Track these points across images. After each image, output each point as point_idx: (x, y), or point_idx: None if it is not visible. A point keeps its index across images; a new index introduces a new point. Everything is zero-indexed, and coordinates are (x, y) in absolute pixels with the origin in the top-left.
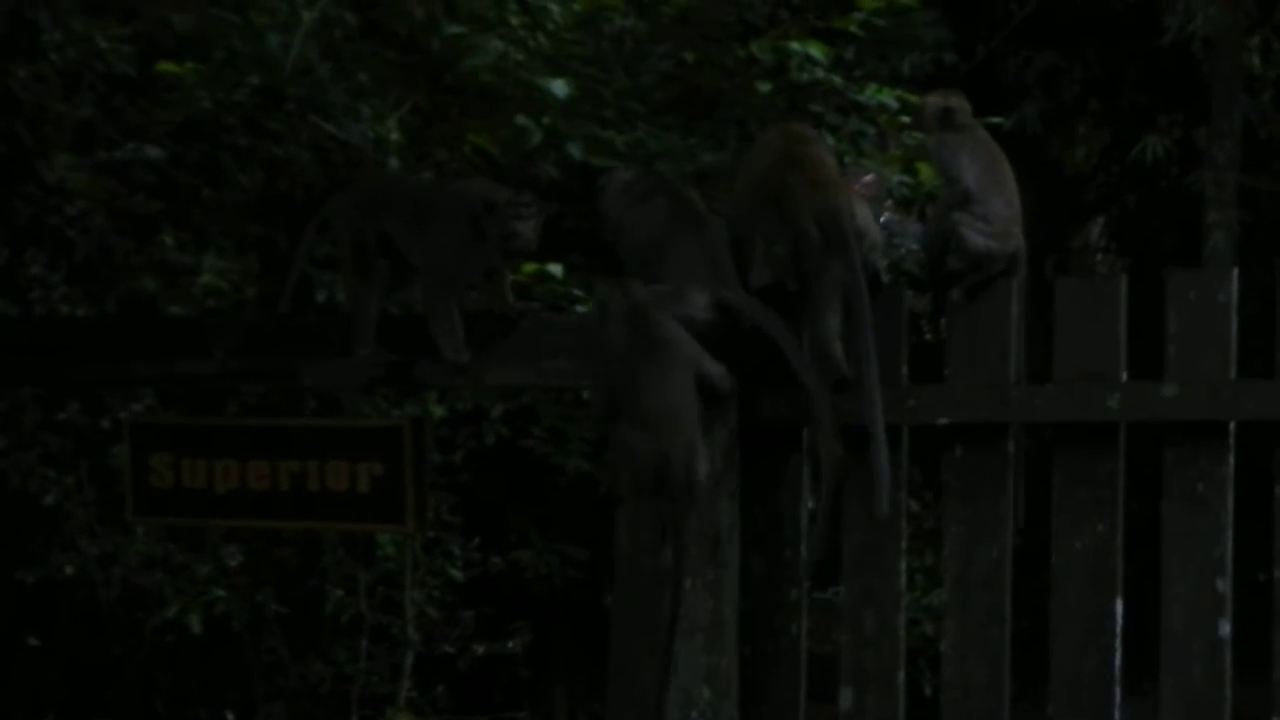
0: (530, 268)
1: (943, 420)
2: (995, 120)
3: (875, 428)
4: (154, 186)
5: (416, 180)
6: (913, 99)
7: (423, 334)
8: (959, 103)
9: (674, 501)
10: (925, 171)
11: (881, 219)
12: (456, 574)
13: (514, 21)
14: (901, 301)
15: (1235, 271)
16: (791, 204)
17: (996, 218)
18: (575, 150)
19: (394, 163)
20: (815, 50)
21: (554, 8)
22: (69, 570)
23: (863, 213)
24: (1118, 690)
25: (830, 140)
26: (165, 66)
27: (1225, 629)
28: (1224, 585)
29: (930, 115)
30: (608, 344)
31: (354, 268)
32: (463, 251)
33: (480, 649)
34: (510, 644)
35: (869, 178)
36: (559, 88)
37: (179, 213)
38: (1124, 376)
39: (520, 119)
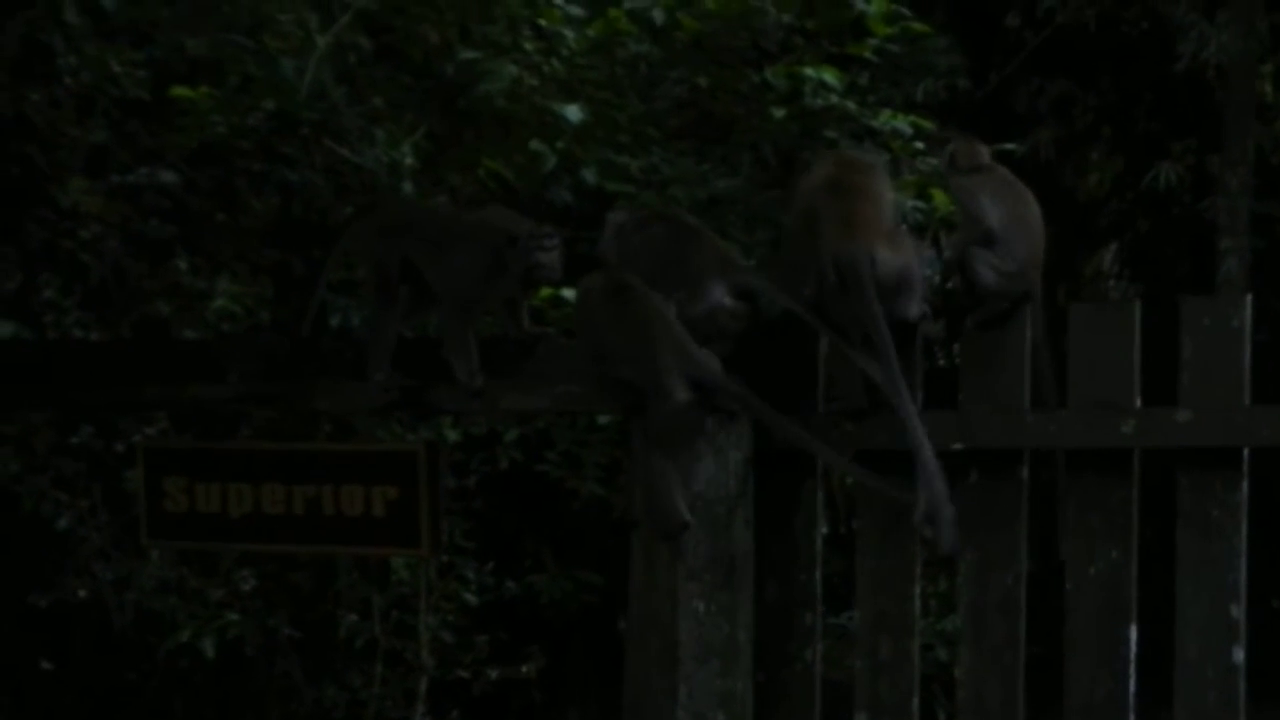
0: (546, 292)
1: (956, 446)
2: (1009, 147)
3: (925, 469)
4: (168, 211)
5: (440, 207)
6: (926, 125)
7: (437, 359)
8: (970, 145)
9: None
10: (939, 197)
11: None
12: (471, 598)
13: (528, 47)
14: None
15: (1249, 297)
16: (818, 242)
17: (1015, 260)
18: (589, 175)
19: (408, 187)
20: (829, 76)
21: (568, 34)
22: (82, 594)
23: (898, 258)
24: (1132, 717)
25: None
26: (179, 91)
27: (1239, 655)
28: (1238, 611)
29: (945, 159)
30: (589, 316)
31: (376, 292)
32: (483, 280)
33: (494, 673)
34: (524, 668)
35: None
36: (573, 113)
37: (193, 237)
38: (1138, 403)
39: (535, 144)
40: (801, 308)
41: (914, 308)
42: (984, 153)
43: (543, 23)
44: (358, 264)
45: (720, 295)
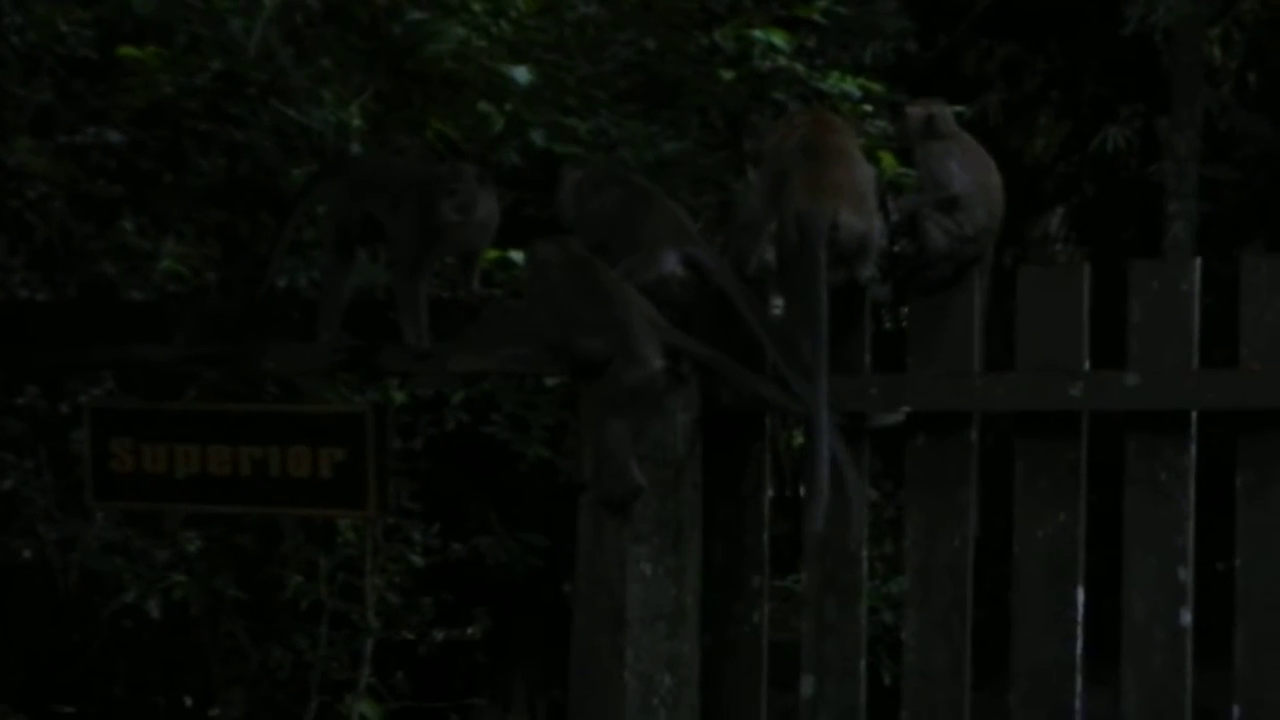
0: (492, 254)
1: (904, 408)
2: (957, 109)
3: (818, 443)
4: (114, 171)
5: (397, 160)
6: (875, 88)
7: (385, 320)
8: (940, 110)
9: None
10: (887, 160)
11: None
12: (417, 560)
13: (476, 8)
14: (864, 290)
15: (1198, 261)
16: (785, 202)
17: (974, 225)
18: (537, 137)
19: (356, 149)
20: (777, 38)
21: None
22: (27, 555)
23: (861, 223)
24: (1079, 679)
25: None
26: (126, 51)
27: (1187, 618)
28: (1186, 574)
29: (914, 124)
30: (547, 290)
31: (332, 250)
32: (424, 233)
33: (440, 635)
34: (470, 630)
35: None
36: (521, 74)
37: (139, 197)
38: (1086, 366)
39: (482, 105)
40: (738, 288)
41: (866, 271)
42: (949, 115)
43: None
44: (310, 223)
45: (673, 264)
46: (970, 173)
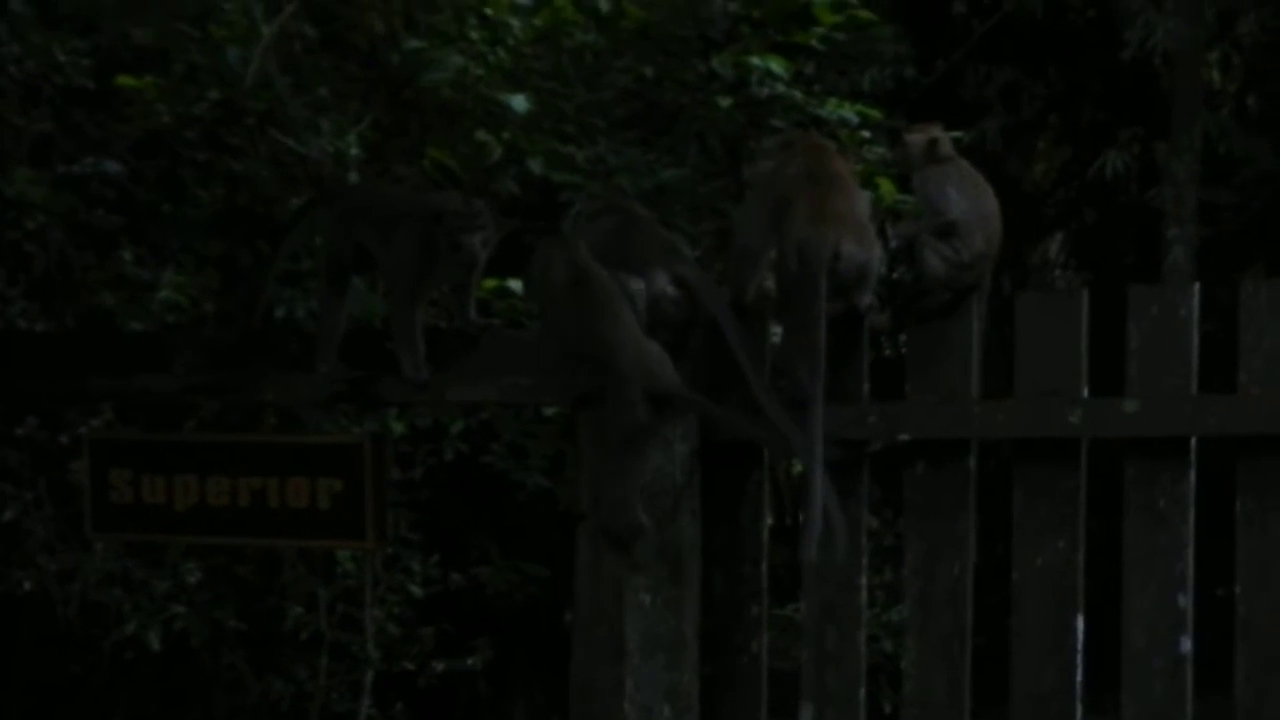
0: (490, 283)
1: (903, 436)
2: (955, 135)
3: (812, 474)
4: (113, 201)
5: (392, 190)
6: (873, 114)
7: (383, 350)
8: (941, 135)
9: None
10: (886, 186)
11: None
12: (416, 591)
13: (474, 36)
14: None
15: (1196, 286)
16: (786, 230)
17: (971, 252)
18: (535, 165)
19: (353, 177)
20: (775, 65)
21: (514, 23)
22: (27, 586)
23: (862, 253)
24: (1079, 707)
25: None
26: (125, 80)
27: (1186, 645)
28: (1185, 601)
29: (914, 149)
30: (551, 289)
31: (326, 281)
32: (419, 262)
33: (440, 666)
34: (470, 661)
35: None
36: (519, 103)
37: (138, 227)
38: (1085, 392)
39: (480, 134)
40: (726, 312)
41: (866, 299)
42: (948, 141)
43: (489, 12)
44: (304, 254)
45: (664, 283)
46: (968, 199)
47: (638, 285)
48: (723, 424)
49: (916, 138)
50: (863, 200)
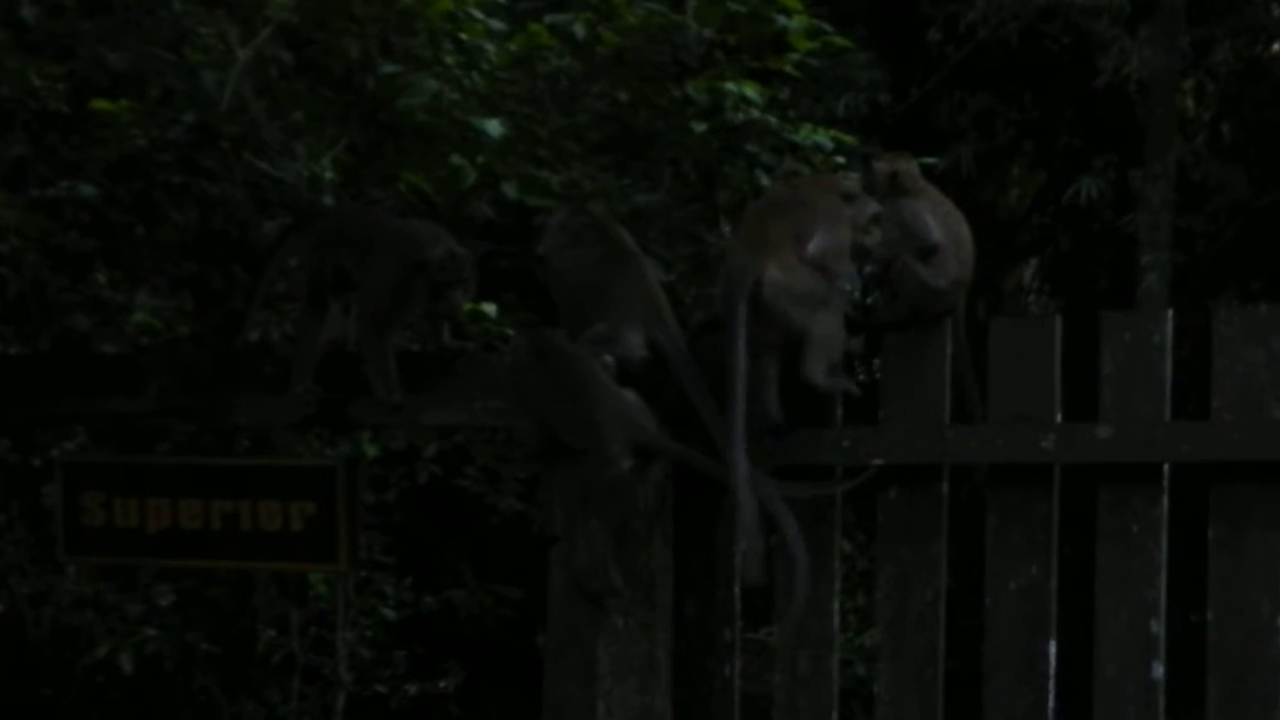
0: (466, 306)
1: (877, 461)
2: (930, 161)
3: (741, 496)
4: (87, 224)
5: (369, 213)
6: (847, 140)
7: (357, 373)
8: (906, 165)
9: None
10: None
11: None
12: (389, 614)
13: (449, 61)
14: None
15: (1170, 313)
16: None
17: (947, 278)
18: (510, 189)
19: (328, 201)
20: (750, 91)
21: (489, 47)
22: None
23: (793, 279)
24: None
25: (765, 180)
26: (100, 104)
27: (1159, 671)
28: (1158, 627)
29: (880, 180)
30: (521, 376)
31: (304, 303)
32: (394, 295)
33: (413, 689)
34: (443, 684)
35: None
36: (494, 127)
37: (112, 250)
38: (1059, 418)
39: (455, 158)
40: (693, 377)
41: (818, 326)
42: (915, 171)
43: (464, 36)
44: (281, 277)
45: (636, 346)
46: (944, 225)
47: (607, 357)
48: (706, 469)
49: (882, 167)
50: (818, 224)
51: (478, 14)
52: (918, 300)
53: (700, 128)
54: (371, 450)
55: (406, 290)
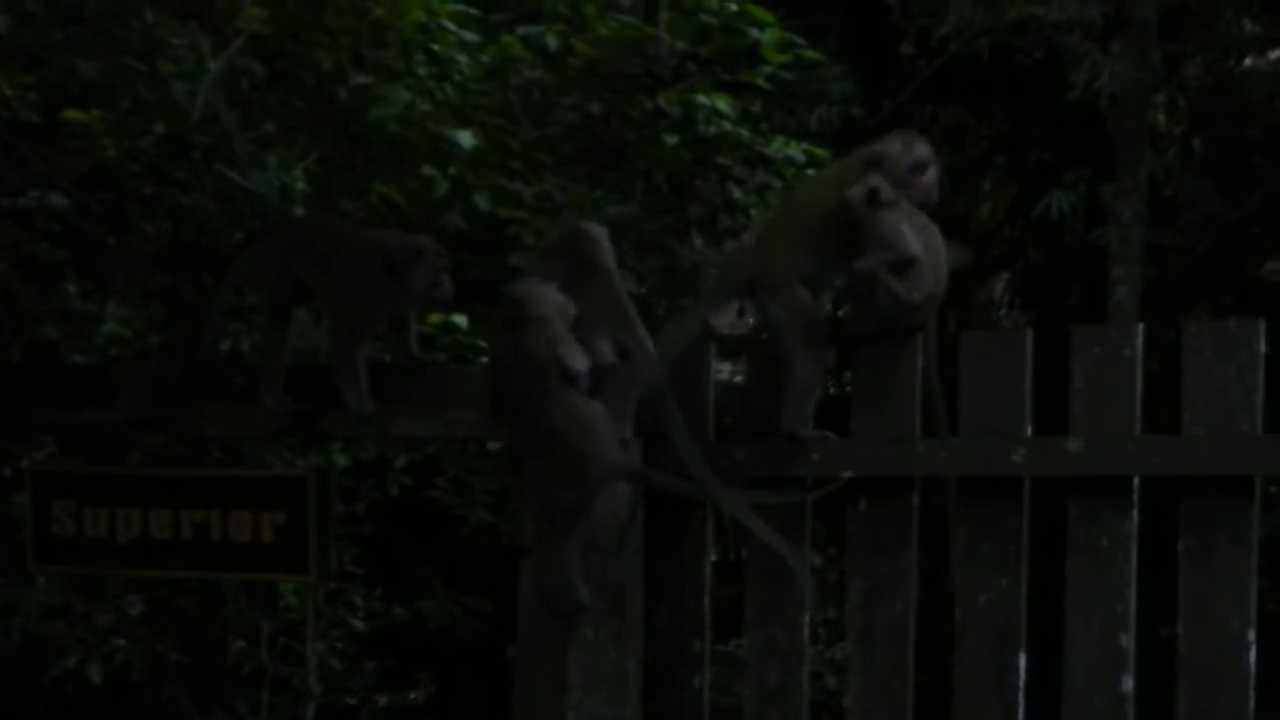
0: (436, 318)
1: (847, 473)
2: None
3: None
4: (58, 234)
5: (334, 225)
6: (819, 153)
7: (328, 384)
8: (879, 182)
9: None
10: None
11: None
12: (359, 625)
13: (421, 72)
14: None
15: (1140, 327)
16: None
17: (922, 292)
18: (482, 201)
19: (300, 212)
20: (722, 103)
21: (461, 59)
22: None
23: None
24: None
25: (736, 193)
26: (71, 114)
27: (1128, 683)
28: (1127, 640)
29: (856, 202)
30: (508, 386)
31: (268, 316)
32: (372, 299)
33: (382, 700)
34: (412, 695)
35: None
36: (466, 139)
37: (83, 261)
38: (1029, 431)
39: (427, 169)
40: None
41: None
42: (889, 187)
43: (436, 48)
44: (249, 288)
45: (606, 352)
46: (921, 238)
47: (581, 365)
48: (662, 484)
49: (856, 192)
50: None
51: (450, 25)
52: (890, 314)
53: (672, 140)
54: (342, 461)
55: (387, 288)
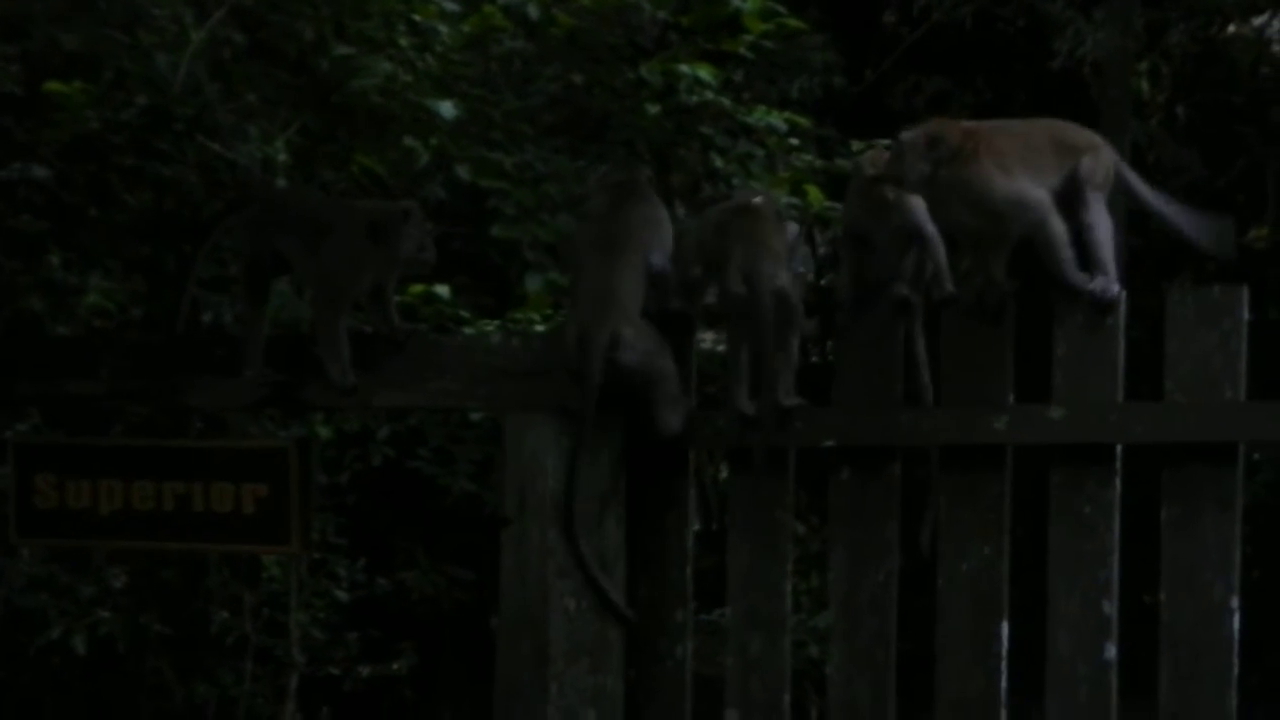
0: (417, 289)
1: (829, 443)
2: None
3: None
4: (41, 206)
5: (312, 195)
6: (801, 122)
7: (310, 355)
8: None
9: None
10: (814, 194)
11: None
12: (342, 595)
13: (403, 43)
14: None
15: (1123, 294)
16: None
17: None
18: (463, 172)
19: (281, 183)
20: (704, 73)
21: (443, 29)
22: None
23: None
24: (1003, 713)
25: (719, 162)
26: (53, 86)
27: (1111, 651)
28: (1110, 608)
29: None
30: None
31: (246, 288)
32: (358, 265)
33: (365, 671)
34: (395, 666)
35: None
36: (447, 109)
37: (66, 232)
38: (1011, 399)
39: (408, 140)
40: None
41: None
42: None
43: (417, 18)
44: (231, 259)
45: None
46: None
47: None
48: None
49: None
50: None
51: None
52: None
53: (654, 109)
54: (324, 432)
55: (366, 261)
